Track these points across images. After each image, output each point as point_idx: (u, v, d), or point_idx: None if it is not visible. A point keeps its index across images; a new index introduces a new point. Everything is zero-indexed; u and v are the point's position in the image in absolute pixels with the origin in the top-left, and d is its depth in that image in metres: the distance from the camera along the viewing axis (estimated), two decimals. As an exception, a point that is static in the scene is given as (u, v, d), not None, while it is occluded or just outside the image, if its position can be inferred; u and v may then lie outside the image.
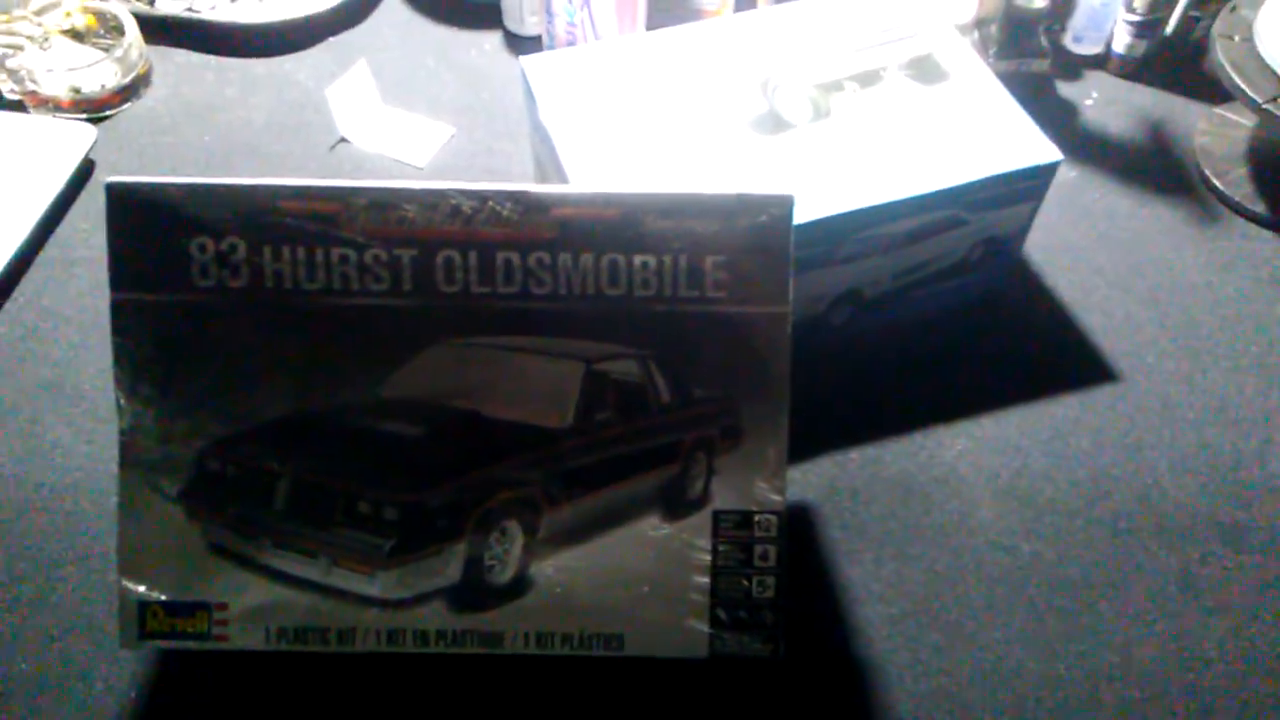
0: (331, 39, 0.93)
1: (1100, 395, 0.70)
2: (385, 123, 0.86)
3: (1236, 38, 0.78)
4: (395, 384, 0.50)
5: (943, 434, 0.68)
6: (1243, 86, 0.75)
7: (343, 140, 0.84)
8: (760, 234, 0.49)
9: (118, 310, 0.49)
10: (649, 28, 0.86)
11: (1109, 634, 0.59)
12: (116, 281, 0.49)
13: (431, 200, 0.49)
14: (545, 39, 0.87)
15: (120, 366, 0.49)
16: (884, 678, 0.57)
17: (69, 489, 0.64)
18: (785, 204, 0.49)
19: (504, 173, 0.83)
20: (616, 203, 0.49)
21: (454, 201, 0.49)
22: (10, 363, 0.70)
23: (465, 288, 0.49)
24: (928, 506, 0.64)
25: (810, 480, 0.65)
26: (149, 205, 0.49)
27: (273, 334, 0.49)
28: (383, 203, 0.49)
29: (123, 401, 0.50)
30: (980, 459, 0.66)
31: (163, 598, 0.50)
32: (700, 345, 0.50)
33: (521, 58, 0.71)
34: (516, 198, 0.49)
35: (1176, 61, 0.90)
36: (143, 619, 0.50)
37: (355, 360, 0.50)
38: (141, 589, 0.50)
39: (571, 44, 0.85)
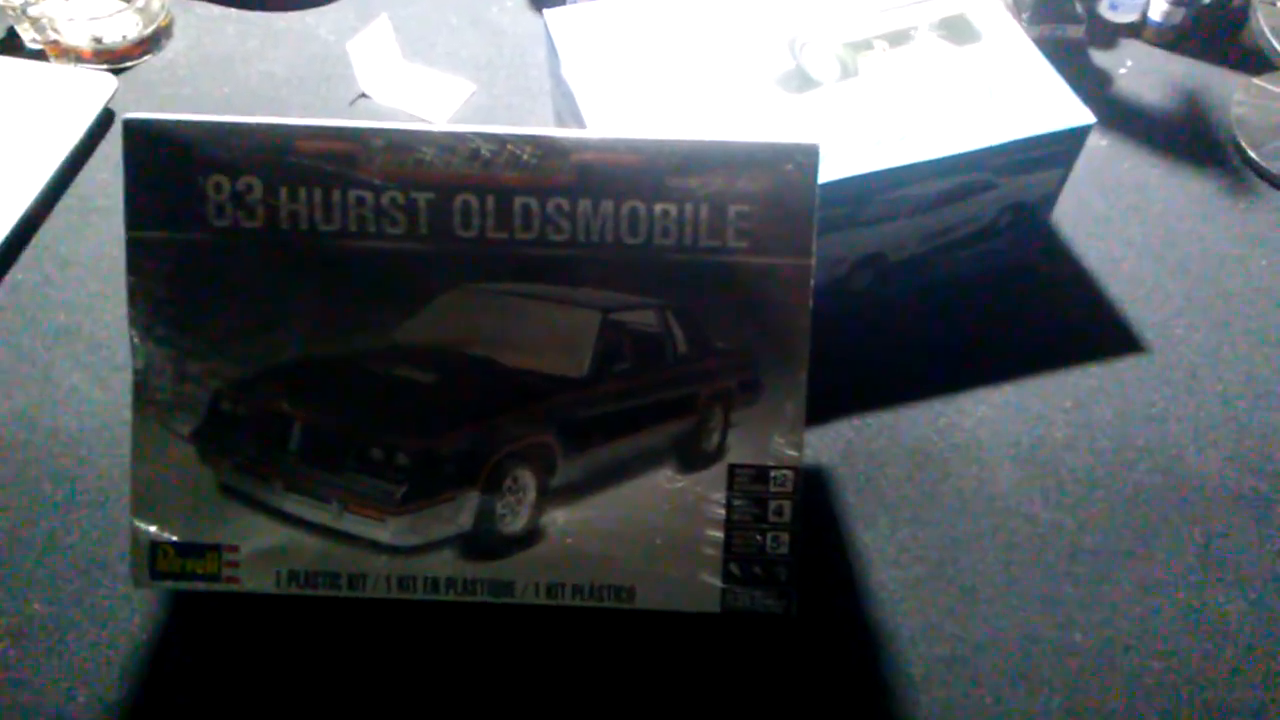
0: (354, -6, 0.92)
1: (1125, 365, 0.69)
2: (406, 78, 0.85)
3: (1278, 4, 0.76)
4: (410, 329, 0.49)
5: (963, 401, 0.67)
6: (1283, 54, 0.73)
7: (363, 95, 0.84)
8: (784, 184, 0.48)
9: (133, 248, 0.49)
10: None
11: (1127, 604, 0.58)
12: (132, 219, 0.49)
13: (449, 143, 0.48)
14: (569, -4, 0.86)
15: (135, 306, 0.49)
16: (896, 641, 0.57)
17: (84, 434, 0.64)
18: (810, 153, 0.48)
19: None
20: (638, 149, 0.48)
21: (472, 145, 0.48)
22: (28, 309, 0.70)
23: (482, 233, 0.49)
24: (946, 473, 0.63)
25: (827, 444, 0.64)
26: (166, 142, 0.48)
27: (288, 275, 0.49)
28: (400, 144, 0.48)
29: (137, 341, 0.49)
30: (1001, 426, 0.65)
31: (174, 538, 0.50)
32: (720, 296, 0.49)
33: (545, 10, 0.70)
34: (536, 142, 0.48)
35: (1215, 30, 0.88)
36: (154, 559, 0.50)
37: (370, 304, 0.49)
38: (153, 529, 0.50)
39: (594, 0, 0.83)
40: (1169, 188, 0.79)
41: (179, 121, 0.48)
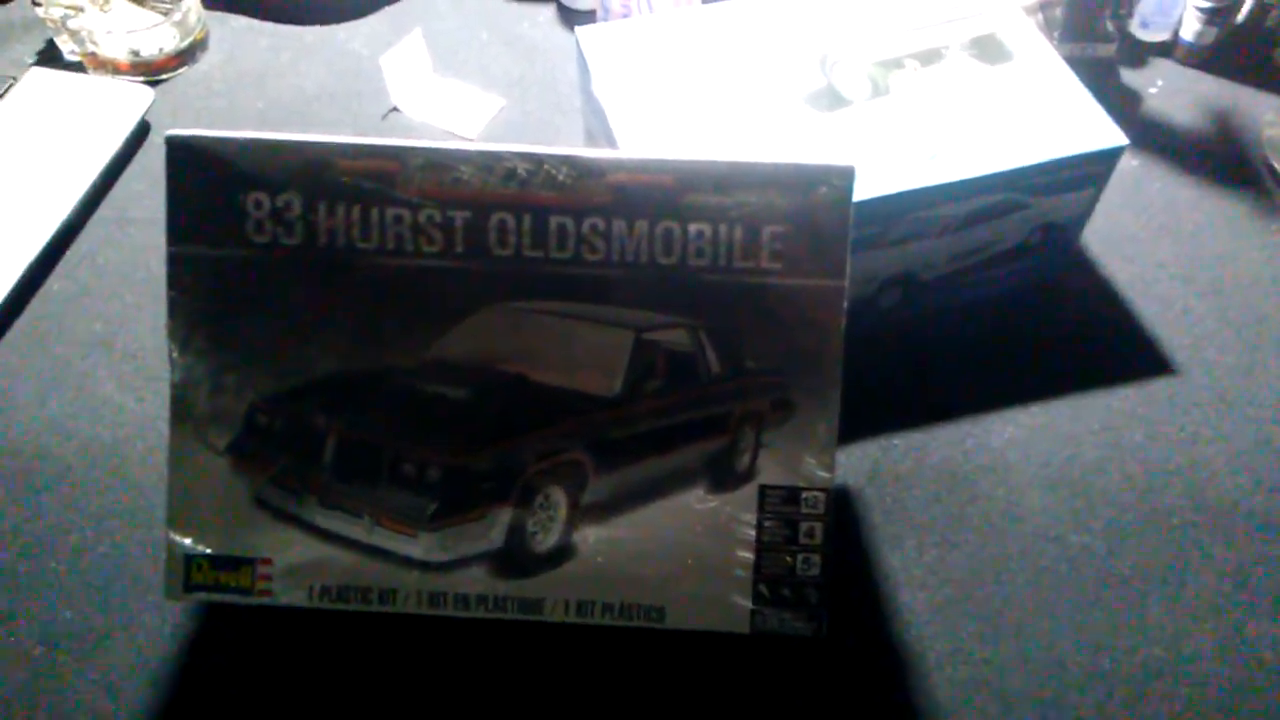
0: (386, 8, 0.93)
1: (1156, 387, 0.68)
2: (437, 93, 0.85)
3: (1313, 25, 0.75)
4: (444, 346, 0.50)
5: (992, 421, 0.66)
6: (1318, 76, 0.72)
7: (394, 109, 0.84)
8: (819, 205, 0.48)
9: (174, 263, 0.49)
10: (705, 0, 0.85)
11: (1158, 629, 0.58)
12: (173, 234, 0.49)
13: (487, 162, 0.49)
14: (600, 13, 0.86)
15: (174, 319, 0.50)
16: (924, 663, 0.56)
17: (118, 444, 0.65)
18: (846, 175, 0.48)
19: (555, 145, 0.82)
20: (672, 169, 0.49)
21: (509, 164, 0.49)
22: (64, 319, 0.71)
23: (518, 251, 0.49)
24: (974, 494, 0.63)
25: (853, 464, 0.64)
26: (207, 158, 0.49)
27: (325, 292, 0.49)
28: (438, 163, 0.49)
29: (176, 354, 0.50)
30: (1030, 448, 0.65)
31: (209, 551, 0.50)
32: (753, 317, 0.49)
33: (577, 28, 0.70)
34: (572, 162, 0.49)
35: (1247, 51, 0.88)
36: (188, 572, 0.51)
37: (406, 321, 0.50)
38: (188, 542, 0.50)
39: (625, 18, 0.84)
40: (1200, 208, 0.78)
41: (220, 138, 0.49)
